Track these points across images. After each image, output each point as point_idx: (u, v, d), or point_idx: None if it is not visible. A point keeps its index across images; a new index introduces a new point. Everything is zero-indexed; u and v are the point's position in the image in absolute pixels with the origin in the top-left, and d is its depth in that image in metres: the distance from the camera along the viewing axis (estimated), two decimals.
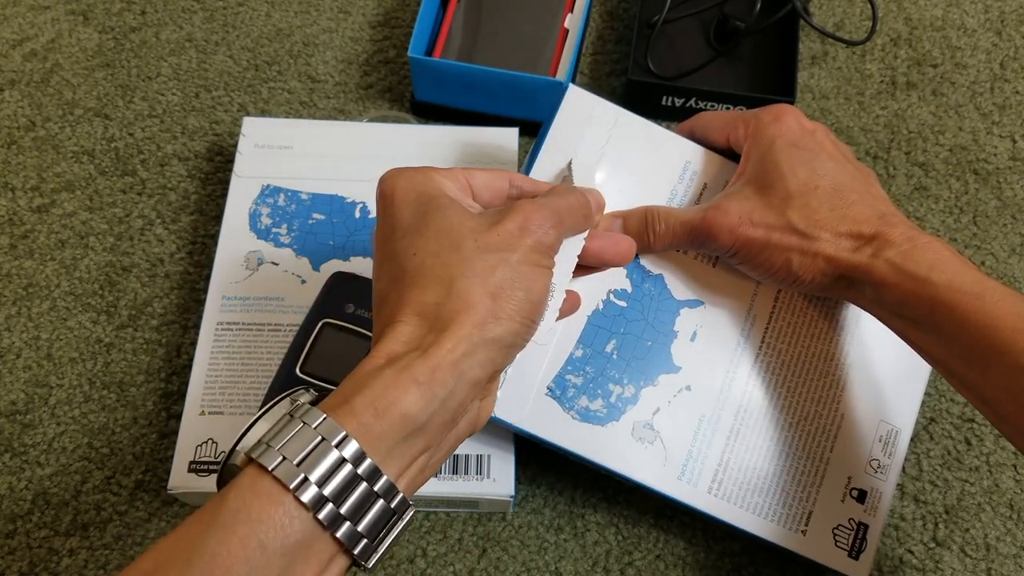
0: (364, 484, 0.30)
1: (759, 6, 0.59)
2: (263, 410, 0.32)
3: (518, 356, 0.36)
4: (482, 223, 0.35)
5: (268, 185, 0.54)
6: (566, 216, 0.37)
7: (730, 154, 0.47)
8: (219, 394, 0.48)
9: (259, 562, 0.27)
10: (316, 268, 0.52)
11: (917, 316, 0.39)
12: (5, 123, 0.62)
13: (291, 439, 0.29)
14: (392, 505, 0.31)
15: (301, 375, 0.46)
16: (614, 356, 0.45)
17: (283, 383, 0.46)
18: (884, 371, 0.47)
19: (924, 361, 0.46)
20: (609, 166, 0.46)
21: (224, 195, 0.58)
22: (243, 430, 0.31)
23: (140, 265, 0.56)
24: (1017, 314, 0.36)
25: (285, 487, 0.28)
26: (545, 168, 0.46)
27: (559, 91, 0.57)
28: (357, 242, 0.53)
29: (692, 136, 0.48)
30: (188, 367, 0.51)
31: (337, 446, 0.29)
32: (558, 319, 0.41)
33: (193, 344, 0.53)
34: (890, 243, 0.39)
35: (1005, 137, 0.62)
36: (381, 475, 0.30)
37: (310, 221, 0.53)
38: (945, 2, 0.67)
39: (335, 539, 0.29)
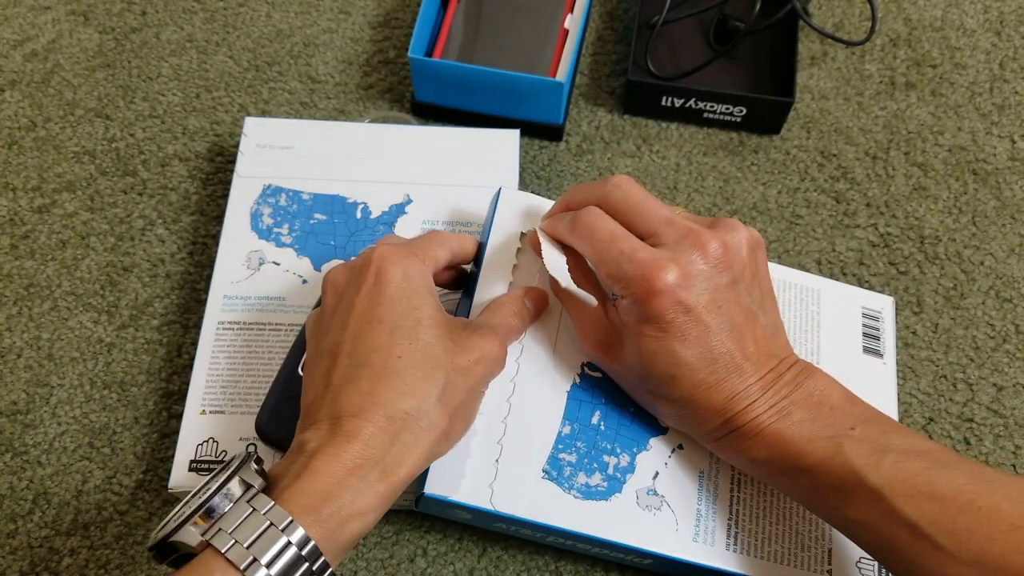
0: (311, 573, 0.33)
1: (759, 6, 0.59)
2: (211, 487, 0.33)
3: (508, 446, 0.43)
4: (456, 345, 0.39)
5: (270, 185, 0.54)
6: (512, 336, 0.43)
7: None
8: (220, 394, 0.48)
9: None
10: (317, 268, 0.52)
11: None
12: (6, 123, 0.62)
13: (259, 539, 0.32)
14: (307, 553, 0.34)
15: (302, 375, 0.46)
16: (602, 427, 0.44)
17: (284, 383, 0.46)
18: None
19: (887, 390, 0.49)
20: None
21: (225, 195, 0.58)
22: (193, 508, 0.33)
23: (141, 265, 0.56)
24: (817, 448, 0.38)
25: None
26: (491, 280, 0.46)
27: (559, 92, 0.57)
28: (358, 242, 0.53)
29: (572, 239, 0.43)
30: (189, 367, 0.52)
31: (300, 549, 0.32)
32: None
33: (194, 344, 0.53)
34: (738, 431, 0.40)
35: (1004, 137, 0.62)
36: (328, 568, 0.33)
37: (311, 221, 0.53)
38: (944, 2, 0.68)
39: None
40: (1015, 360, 0.54)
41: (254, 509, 0.32)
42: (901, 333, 0.55)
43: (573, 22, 0.61)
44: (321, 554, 0.33)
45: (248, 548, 0.31)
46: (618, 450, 0.44)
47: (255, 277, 0.52)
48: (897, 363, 0.50)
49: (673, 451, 0.44)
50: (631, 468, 0.44)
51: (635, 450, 0.44)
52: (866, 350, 0.49)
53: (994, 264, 0.58)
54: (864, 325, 0.50)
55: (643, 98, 0.61)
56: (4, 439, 0.51)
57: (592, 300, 0.44)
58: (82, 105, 0.63)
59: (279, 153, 0.55)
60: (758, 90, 0.62)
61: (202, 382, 0.49)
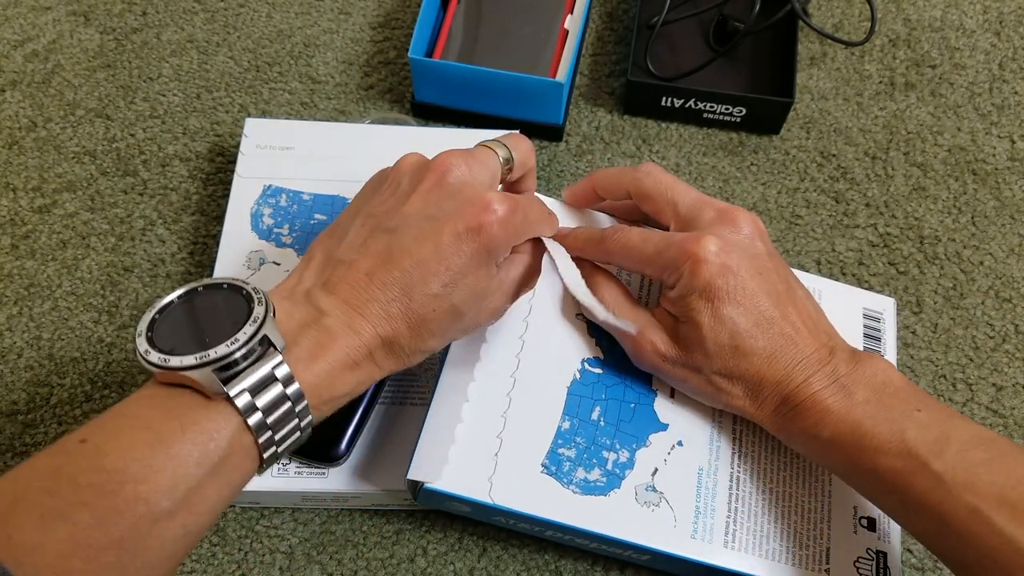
0: (298, 426, 0.35)
1: (758, 7, 0.59)
2: (240, 339, 0.33)
3: (507, 440, 0.43)
4: (479, 303, 0.41)
5: (270, 186, 0.54)
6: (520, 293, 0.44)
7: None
8: None
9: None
10: None
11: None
12: (7, 123, 0.62)
13: (277, 412, 0.34)
14: (304, 434, 0.36)
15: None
16: (601, 423, 0.44)
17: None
18: None
19: None
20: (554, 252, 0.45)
21: (225, 196, 0.58)
22: (220, 355, 0.33)
23: (141, 265, 0.57)
24: (882, 443, 0.38)
25: (260, 454, 0.34)
26: None
27: (559, 92, 0.57)
28: None
29: (610, 259, 0.45)
30: None
31: (303, 432, 0.36)
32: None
33: None
34: (800, 405, 0.40)
35: (1004, 138, 0.62)
36: (311, 425, 0.36)
37: (312, 221, 0.53)
38: (944, 3, 0.68)
39: (261, 457, 0.35)
40: (1015, 360, 0.54)
41: (276, 378, 0.34)
42: (901, 333, 0.55)
43: (573, 22, 0.61)
44: (310, 435, 0.36)
45: (267, 420, 0.33)
46: (617, 446, 0.44)
47: (255, 277, 0.52)
48: (897, 363, 0.51)
49: (672, 448, 0.44)
50: (630, 464, 0.44)
51: (634, 446, 0.44)
52: (867, 351, 0.49)
53: (994, 264, 0.58)
54: (865, 326, 0.50)
55: (643, 98, 0.61)
56: (4, 439, 0.51)
57: (629, 325, 0.44)
58: (83, 105, 0.63)
59: (279, 153, 0.55)
60: (758, 90, 0.62)
61: None
